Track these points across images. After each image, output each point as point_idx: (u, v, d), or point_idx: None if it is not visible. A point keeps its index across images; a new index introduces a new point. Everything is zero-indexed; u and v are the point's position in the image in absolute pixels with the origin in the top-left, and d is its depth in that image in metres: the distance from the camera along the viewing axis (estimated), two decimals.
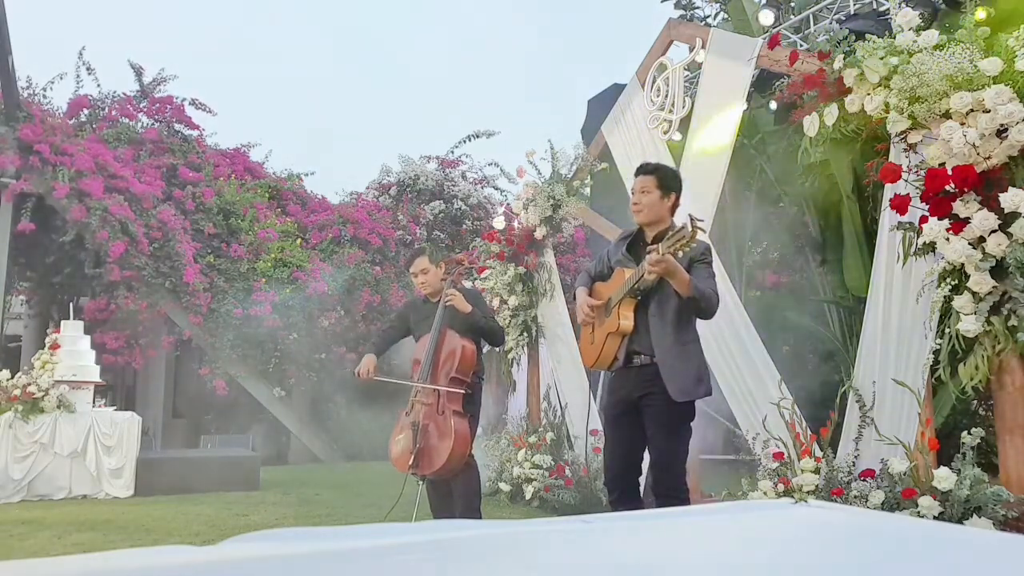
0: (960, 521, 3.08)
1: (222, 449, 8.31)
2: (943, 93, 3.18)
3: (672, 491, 2.87)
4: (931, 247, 3.19)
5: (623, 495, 3.03)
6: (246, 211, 11.00)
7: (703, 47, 5.05)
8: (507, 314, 6.42)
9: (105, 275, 9.10)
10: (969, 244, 3.04)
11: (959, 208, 3.09)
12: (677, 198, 3.06)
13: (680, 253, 2.63)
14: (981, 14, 3.41)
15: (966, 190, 3.07)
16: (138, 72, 11.47)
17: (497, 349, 6.69)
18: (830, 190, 6.65)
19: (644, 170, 3.09)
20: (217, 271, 10.17)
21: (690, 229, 2.52)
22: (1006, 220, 2.98)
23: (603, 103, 6.95)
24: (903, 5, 3.53)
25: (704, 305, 2.83)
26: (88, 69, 10.96)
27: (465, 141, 14.25)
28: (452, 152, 14.24)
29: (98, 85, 11.10)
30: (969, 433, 3.27)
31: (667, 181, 3.03)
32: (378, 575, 0.83)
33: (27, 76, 10.07)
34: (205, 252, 10.25)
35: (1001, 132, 3.01)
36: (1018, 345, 2.95)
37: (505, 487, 5.95)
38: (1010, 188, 2.96)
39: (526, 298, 6.39)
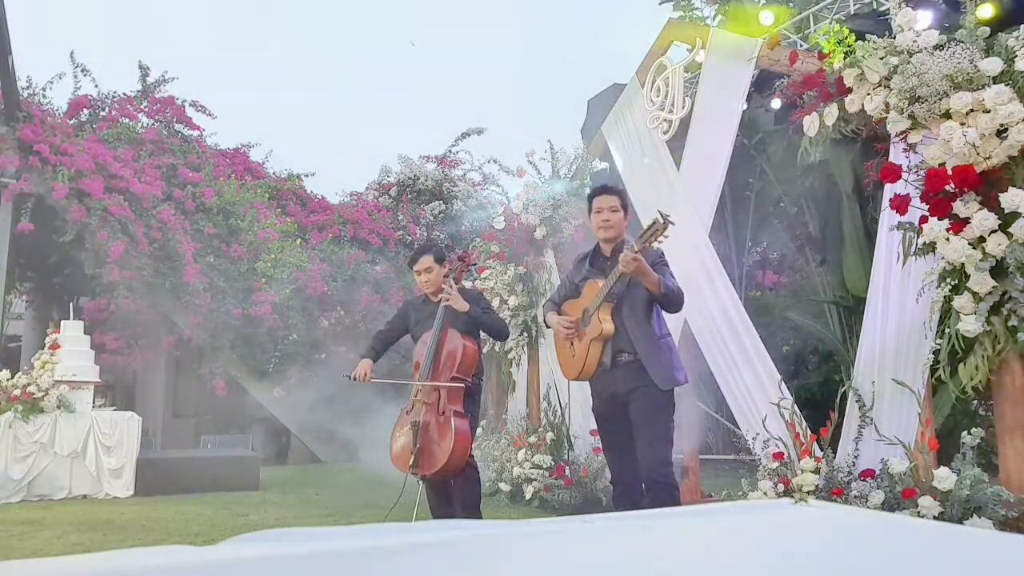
0: (960, 521, 3.08)
1: (222, 449, 8.31)
2: (943, 93, 3.18)
3: (661, 478, 3.05)
4: (931, 247, 3.19)
5: (627, 489, 3.24)
6: (246, 211, 10.98)
7: (703, 47, 5.05)
8: (507, 314, 6.43)
9: (105, 275, 9.08)
10: (969, 244, 3.04)
11: (959, 208, 3.09)
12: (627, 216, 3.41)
13: (655, 245, 2.92)
14: (987, 10, 3.40)
15: (966, 190, 3.07)
16: (144, 72, 11.46)
17: (497, 349, 6.70)
18: (830, 190, 6.65)
19: (609, 191, 3.38)
20: (217, 271, 10.15)
21: (662, 222, 2.80)
22: (1006, 220, 2.98)
23: (603, 103, 6.94)
24: (903, 5, 3.53)
25: (675, 299, 3.15)
26: (83, 70, 10.94)
27: (460, 139, 14.31)
28: (450, 152, 14.26)
29: (96, 86, 11.09)
30: (969, 433, 3.27)
31: (626, 201, 3.38)
32: (378, 575, 0.83)
33: (27, 76, 10.06)
34: (205, 252, 10.23)
35: (1001, 132, 3.01)
36: (1018, 345, 2.95)
37: (505, 487, 5.95)
38: (1010, 188, 2.96)
39: (526, 298, 6.40)
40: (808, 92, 3.86)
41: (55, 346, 6.80)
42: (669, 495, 3.01)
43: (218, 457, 7.42)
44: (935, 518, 3.14)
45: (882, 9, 4.40)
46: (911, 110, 3.28)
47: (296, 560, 0.85)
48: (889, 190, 3.56)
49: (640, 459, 3.13)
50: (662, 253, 3.24)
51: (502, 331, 4.12)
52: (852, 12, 4.57)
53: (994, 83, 3.07)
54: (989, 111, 3.01)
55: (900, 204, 3.28)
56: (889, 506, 3.35)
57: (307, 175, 13.45)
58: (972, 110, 3.08)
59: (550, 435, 5.88)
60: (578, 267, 3.48)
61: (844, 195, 6.25)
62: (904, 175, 3.33)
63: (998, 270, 3.00)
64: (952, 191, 3.11)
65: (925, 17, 3.45)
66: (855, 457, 3.66)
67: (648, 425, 3.11)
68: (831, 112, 3.70)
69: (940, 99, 3.19)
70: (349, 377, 3.89)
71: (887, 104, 3.38)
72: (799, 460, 3.81)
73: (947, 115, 3.19)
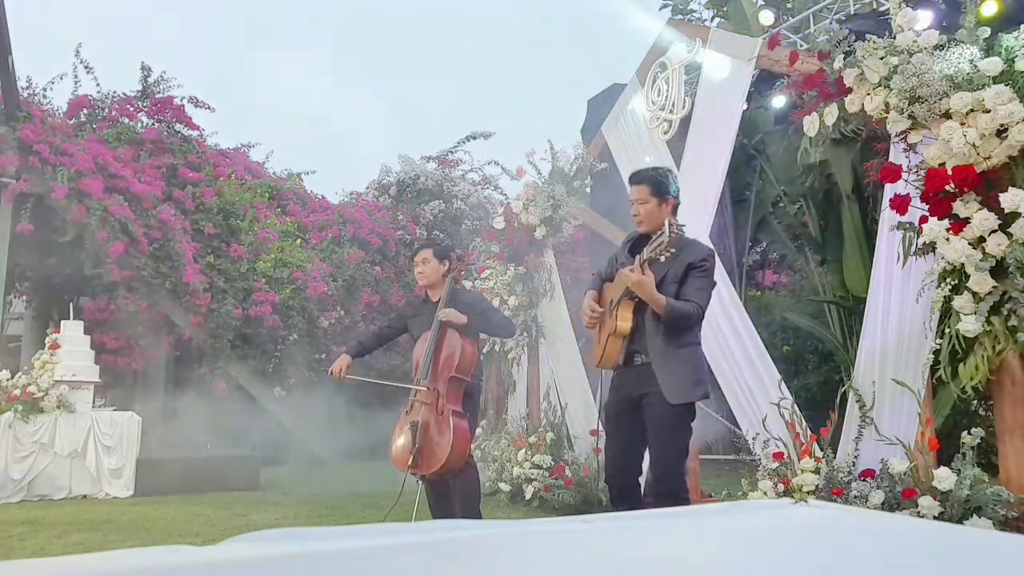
0: (960, 521, 3.08)
1: (222, 449, 8.31)
2: (943, 93, 3.18)
3: (672, 490, 2.88)
4: (931, 247, 3.19)
5: (622, 492, 3.05)
6: (246, 211, 10.98)
7: (703, 47, 5.05)
8: (507, 314, 6.43)
9: (105, 275, 9.07)
10: (969, 244, 3.04)
11: (959, 208, 3.09)
12: (675, 200, 3.08)
13: (662, 257, 2.70)
14: (991, 5, 3.40)
15: (966, 190, 3.07)
16: (146, 72, 11.45)
17: (497, 349, 6.69)
18: (830, 190, 6.66)
19: (637, 179, 3.10)
20: (217, 271, 10.15)
21: (668, 235, 2.61)
22: (1006, 220, 2.98)
23: (603, 103, 6.95)
24: (903, 5, 3.53)
25: (680, 324, 2.88)
26: (86, 68, 10.92)
27: (464, 142, 14.29)
28: (452, 153, 14.27)
29: (97, 85, 11.07)
30: (969, 433, 3.27)
31: (660, 187, 3.04)
32: (378, 575, 0.83)
33: (27, 76, 10.05)
34: (205, 252, 10.23)
35: (1001, 132, 3.01)
36: (1018, 345, 2.95)
37: (505, 487, 5.95)
38: (1010, 188, 2.96)
39: (526, 298, 6.39)
40: (808, 92, 3.86)
41: (55, 346, 6.79)
42: (676, 505, 2.86)
43: (218, 457, 7.42)
44: (935, 518, 3.14)
45: (882, 9, 4.40)
46: (911, 110, 3.28)
47: (296, 560, 0.85)
48: (889, 190, 3.56)
49: (651, 468, 3.01)
50: (709, 255, 2.98)
51: (506, 329, 4.09)
52: (852, 12, 4.57)
53: (994, 83, 3.07)
54: (989, 111, 3.01)
55: (900, 204, 3.28)
56: (889, 506, 3.34)
57: (307, 175, 13.47)
58: (972, 110, 3.08)
59: (550, 435, 5.88)
60: (623, 248, 3.22)
61: (844, 195, 6.25)
62: (904, 175, 3.33)
63: (998, 270, 3.00)
64: (952, 191, 3.11)
65: (925, 17, 3.45)
66: (855, 457, 3.66)
67: (659, 435, 2.94)
68: (831, 112, 3.70)
69: (940, 99, 3.19)
70: (328, 372, 3.92)
71: (887, 104, 3.38)
72: (799, 460, 3.81)
73: (947, 115, 3.19)
